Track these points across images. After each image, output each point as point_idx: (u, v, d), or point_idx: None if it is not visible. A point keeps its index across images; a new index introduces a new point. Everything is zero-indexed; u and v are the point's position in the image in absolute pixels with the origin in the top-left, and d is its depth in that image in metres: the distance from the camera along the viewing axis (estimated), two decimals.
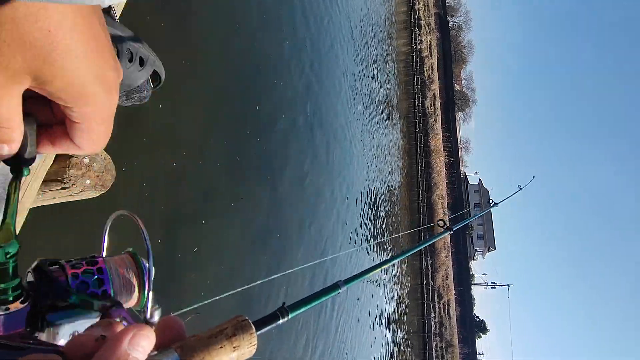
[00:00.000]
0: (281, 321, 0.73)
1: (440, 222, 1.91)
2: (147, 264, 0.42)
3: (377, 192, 12.02)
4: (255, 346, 0.30)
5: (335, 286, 0.94)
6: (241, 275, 4.44)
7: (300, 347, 5.70)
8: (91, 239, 2.60)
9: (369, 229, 10.62)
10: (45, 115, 0.31)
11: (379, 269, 1.27)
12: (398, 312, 14.07)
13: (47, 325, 0.35)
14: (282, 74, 6.17)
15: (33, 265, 0.39)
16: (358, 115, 10.62)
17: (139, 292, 0.42)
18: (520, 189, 4.96)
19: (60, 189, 1.34)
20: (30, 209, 1.40)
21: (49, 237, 2.20)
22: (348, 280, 1.00)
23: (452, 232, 1.90)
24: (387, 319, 12.28)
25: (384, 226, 12.42)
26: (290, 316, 0.74)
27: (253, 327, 0.30)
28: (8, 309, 0.33)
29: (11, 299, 0.33)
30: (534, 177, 5.85)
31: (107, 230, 0.45)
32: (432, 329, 18.76)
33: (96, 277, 0.39)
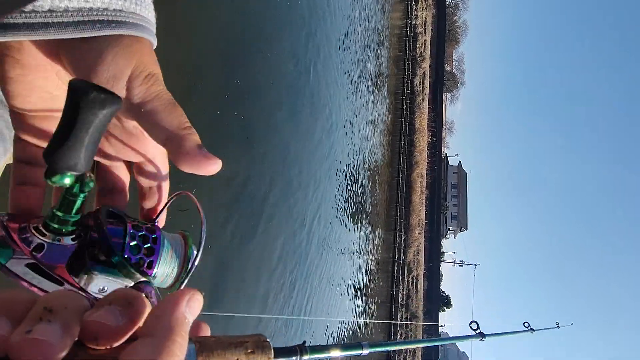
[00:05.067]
0: (297, 358, 0.67)
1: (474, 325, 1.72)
2: (196, 252, 0.41)
3: (358, 165, 12.14)
4: None
5: (359, 345, 0.93)
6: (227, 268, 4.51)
7: (272, 298, 5.91)
8: None
9: (348, 201, 10.81)
10: None
11: (407, 346, 1.26)
12: (368, 282, 14.61)
13: (85, 271, 0.35)
14: (268, 40, 6.03)
15: (94, 209, 0.39)
16: (345, 85, 10.53)
17: (177, 277, 0.41)
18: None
19: None
20: (7, 165, 1.40)
21: None
22: (373, 345, 0.97)
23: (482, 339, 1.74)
24: (357, 287, 12.75)
25: (363, 199, 12.64)
26: (308, 356, 0.68)
27: (272, 352, 0.29)
28: (59, 240, 0.34)
29: (65, 231, 0.34)
30: None
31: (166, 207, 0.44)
32: (400, 300, 19.60)
33: (149, 245, 0.39)
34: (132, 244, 0.37)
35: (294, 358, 0.66)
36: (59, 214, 0.33)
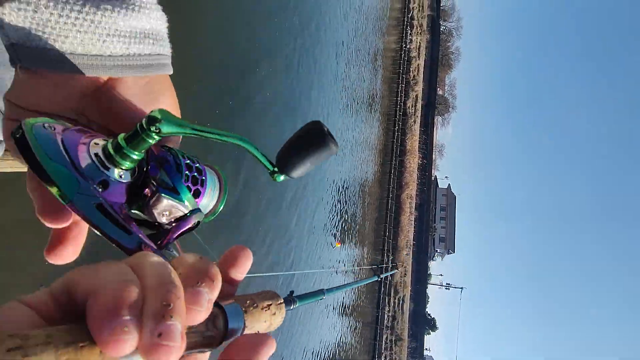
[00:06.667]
0: (292, 307, 0.84)
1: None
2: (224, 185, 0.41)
3: (348, 184, 12.18)
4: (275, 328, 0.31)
5: (320, 292, 1.19)
6: None
7: None
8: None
9: (337, 218, 10.78)
10: None
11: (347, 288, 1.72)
12: (353, 302, 14.46)
13: (153, 194, 0.33)
14: (263, 52, 6.10)
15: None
16: (339, 104, 10.65)
17: (212, 210, 0.40)
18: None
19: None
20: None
21: (10, 207, 2.13)
22: (330, 290, 1.29)
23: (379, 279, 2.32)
24: (342, 307, 12.60)
25: (352, 218, 12.63)
26: (297, 305, 0.85)
27: (284, 310, 0.32)
28: (121, 176, 0.31)
29: (125, 167, 0.31)
30: None
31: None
32: (385, 322, 19.39)
33: (203, 177, 0.38)
34: (188, 173, 0.36)
35: (289, 308, 0.82)
36: (126, 147, 0.30)
